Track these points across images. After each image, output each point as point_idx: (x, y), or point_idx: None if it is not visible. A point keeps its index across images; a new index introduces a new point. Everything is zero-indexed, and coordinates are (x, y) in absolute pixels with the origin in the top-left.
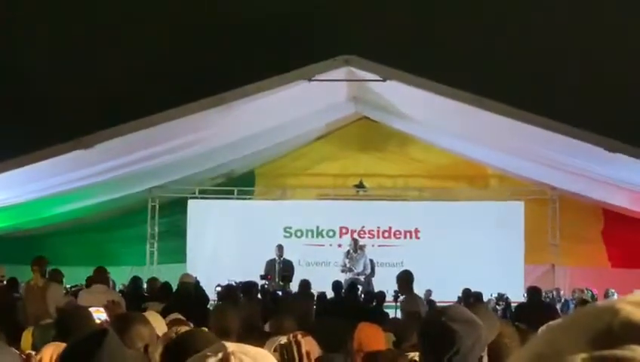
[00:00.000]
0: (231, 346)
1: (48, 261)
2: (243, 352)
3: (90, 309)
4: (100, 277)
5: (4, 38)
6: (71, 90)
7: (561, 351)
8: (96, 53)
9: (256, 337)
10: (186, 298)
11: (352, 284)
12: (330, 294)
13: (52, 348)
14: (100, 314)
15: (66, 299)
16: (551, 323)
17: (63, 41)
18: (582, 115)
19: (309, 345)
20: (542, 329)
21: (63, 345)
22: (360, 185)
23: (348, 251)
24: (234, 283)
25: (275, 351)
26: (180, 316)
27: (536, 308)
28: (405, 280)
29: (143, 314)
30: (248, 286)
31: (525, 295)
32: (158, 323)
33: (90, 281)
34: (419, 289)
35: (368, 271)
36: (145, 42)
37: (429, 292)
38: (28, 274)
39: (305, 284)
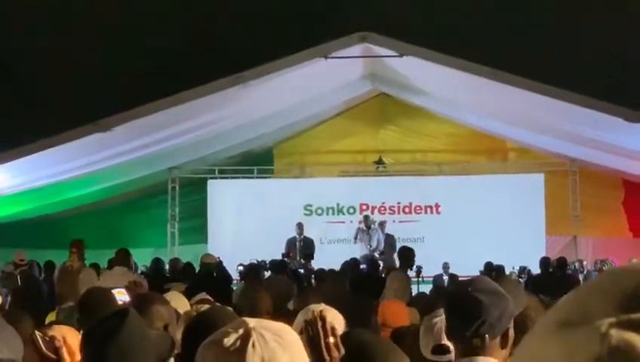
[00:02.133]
0: (252, 322)
1: (85, 245)
2: (264, 327)
3: (113, 291)
4: (120, 259)
5: (21, 19)
6: (88, 72)
7: (588, 316)
8: (113, 34)
9: (285, 316)
10: (208, 278)
11: (374, 261)
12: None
13: (72, 333)
14: (122, 296)
15: (101, 281)
16: (576, 288)
17: (81, 22)
18: (599, 86)
19: (336, 320)
20: (566, 294)
21: (73, 331)
22: (379, 162)
23: (360, 228)
24: (256, 262)
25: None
26: (206, 296)
27: (557, 280)
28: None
29: (163, 294)
30: (280, 265)
31: (541, 266)
32: (181, 303)
33: (111, 263)
34: (441, 264)
35: (382, 247)
36: (161, 23)
37: (446, 265)
38: (49, 258)
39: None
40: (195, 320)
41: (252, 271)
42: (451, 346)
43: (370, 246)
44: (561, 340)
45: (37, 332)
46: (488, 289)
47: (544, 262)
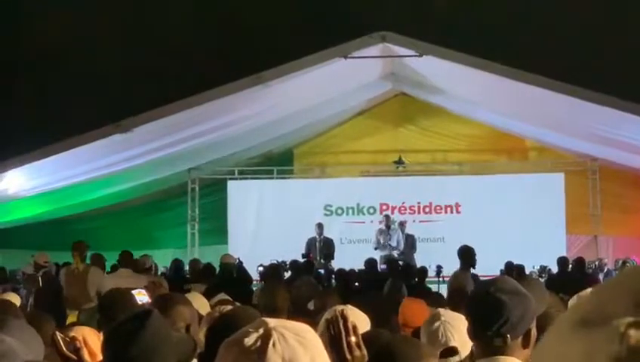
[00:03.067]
0: (272, 321)
1: (88, 245)
2: (284, 327)
3: (133, 292)
4: (125, 261)
5: (43, 19)
6: (108, 73)
7: (607, 316)
8: (135, 35)
9: (305, 316)
10: (228, 278)
11: (393, 261)
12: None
13: (93, 335)
14: (142, 297)
15: (107, 283)
16: (595, 287)
17: (103, 22)
18: (620, 84)
19: (357, 318)
20: (586, 292)
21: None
22: (399, 161)
23: (380, 229)
24: (276, 262)
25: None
26: (226, 296)
27: (576, 280)
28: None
29: (185, 294)
30: (306, 266)
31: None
32: (201, 304)
33: (116, 266)
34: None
35: (402, 246)
36: (182, 24)
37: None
38: (68, 260)
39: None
40: (219, 320)
41: (272, 272)
42: (459, 347)
43: (390, 246)
44: (580, 339)
45: (58, 333)
46: (510, 289)
47: (562, 262)
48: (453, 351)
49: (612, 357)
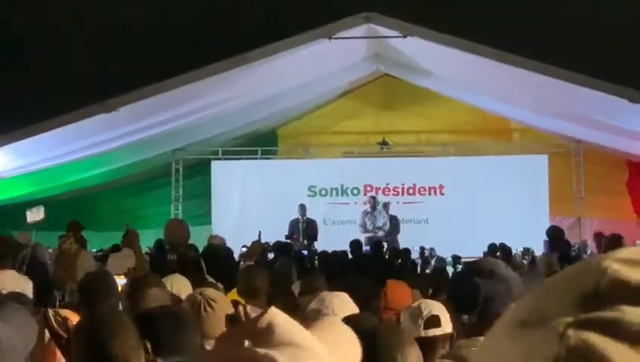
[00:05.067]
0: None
1: (83, 227)
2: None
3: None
4: (129, 240)
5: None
6: (92, 53)
7: (545, 316)
8: (118, 15)
9: (285, 298)
10: (213, 259)
11: (378, 242)
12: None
13: (75, 316)
14: (121, 280)
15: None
16: (535, 287)
17: (83, 3)
18: (604, 67)
19: (346, 304)
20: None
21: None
22: (383, 143)
23: (367, 209)
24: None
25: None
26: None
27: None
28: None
29: (160, 276)
30: (285, 247)
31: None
32: (184, 286)
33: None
34: (445, 246)
35: (387, 226)
36: (165, 5)
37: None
38: (53, 240)
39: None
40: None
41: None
42: (442, 317)
43: (374, 226)
44: (518, 341)
45: (50, 311)
46: (488, 272)
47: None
48: (436, 321)
49: (551, 357)
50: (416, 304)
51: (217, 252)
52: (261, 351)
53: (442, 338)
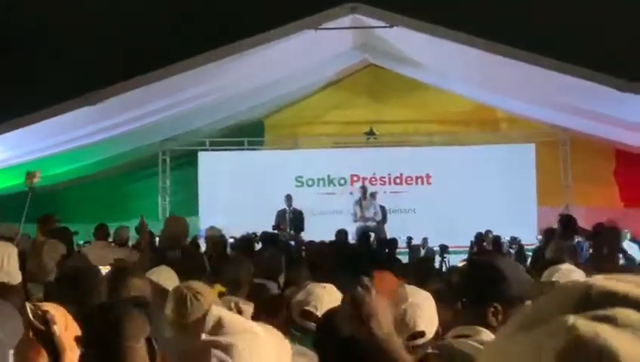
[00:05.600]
0: None
1: (56, 219)
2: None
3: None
4: (101, 233)
5: None
6: (75, 45)
7: (550, 316)
8: (102, 6)
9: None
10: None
11: (364, 232)
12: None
13: (59, 311)
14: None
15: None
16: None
17: None
18: (591, 56)
19: (333, 297)
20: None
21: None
22: (370, 133)
23: (358, 199)
24: (246, 234)
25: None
26: None
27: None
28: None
29: (140, 267)
30: (272, 238)
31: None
32: (168, 278)
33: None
34: (432, 235)
35: (379, 217)
36: None
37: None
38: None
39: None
40: None
41: (243, 244)
42: (425, 327)
43: (365, 216)
44: (526, 338)
45: (28, 305)
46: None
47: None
48: (421, 334)
49: (560, 347)
50: (401, 310)
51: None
52: (221, 339)
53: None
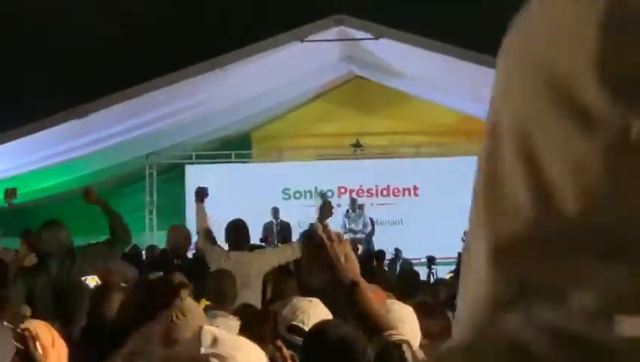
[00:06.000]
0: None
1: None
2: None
3: (87, 278)
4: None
5: None
6: (62, 60)
7: None
8: (86, 21)
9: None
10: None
11: (353, 245)
12: None
13: (45, 328)
14: (93, 283)
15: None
16: None
17: (56, 8)
18: None
19: (321, 312)
20: None
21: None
22: (357, 145)
23: (347, 211)
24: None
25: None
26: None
27: None
28: None
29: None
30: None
31: None
32: None
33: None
34: (419, 247)
35: (368, 229)
36: (136, 9)
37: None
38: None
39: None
40: None
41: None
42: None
43: (353, 228)
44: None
45: (6, 324)
46: None
47: None
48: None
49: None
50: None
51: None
52: (221, 351)
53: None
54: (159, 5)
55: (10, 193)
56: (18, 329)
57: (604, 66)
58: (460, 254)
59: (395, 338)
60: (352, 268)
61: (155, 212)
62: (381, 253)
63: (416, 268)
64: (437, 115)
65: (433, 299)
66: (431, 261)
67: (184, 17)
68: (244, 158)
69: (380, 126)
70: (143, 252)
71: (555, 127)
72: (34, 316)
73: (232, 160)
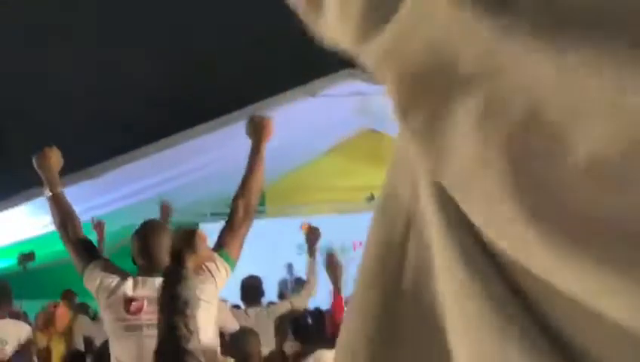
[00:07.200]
0: None
1: (77, 294)
2: None
3: None
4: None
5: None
6: (74, 120)
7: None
8: (94, 80)
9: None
10: None
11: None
12: None
13: None
14: None
15: (95, 328)
16: None
17: (65, 69)
18: None
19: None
20: None
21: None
22: (371, 198)
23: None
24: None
25: None
26: None
27: None
28: None
29: None
30: None
31: None
32: None
33: None
34: None
35: None
36: (144, 69)
37: None
38: (35, 310)
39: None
40: None
41: None
42: None
43: None
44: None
45: None
46: None
47: None
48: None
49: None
50: None
51: None
52: None
53: None
54: (171, 64)
55: (26, 257)
56: None
57: None
58: None
59: None
60: None
61: None
62: None
63: None
64: None
65: None
66: None
67: (197, 75)
68: (258, 215)
69: None
70: None
71: None
72: None
73: None
